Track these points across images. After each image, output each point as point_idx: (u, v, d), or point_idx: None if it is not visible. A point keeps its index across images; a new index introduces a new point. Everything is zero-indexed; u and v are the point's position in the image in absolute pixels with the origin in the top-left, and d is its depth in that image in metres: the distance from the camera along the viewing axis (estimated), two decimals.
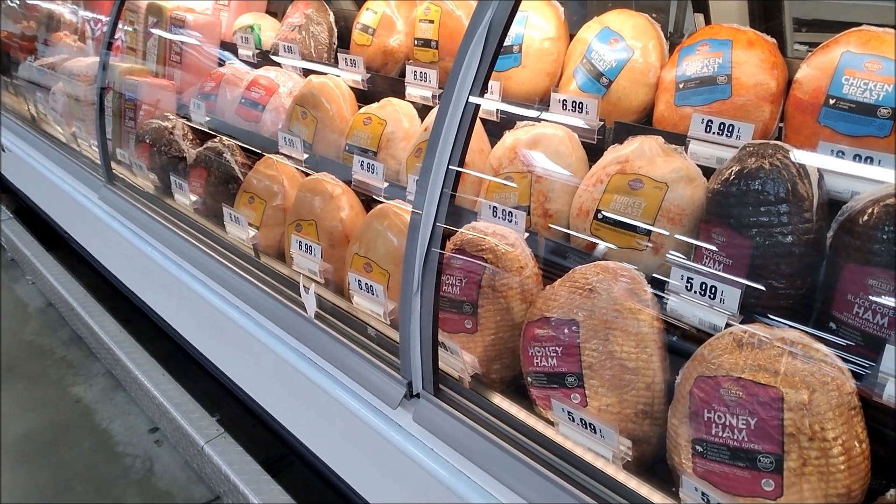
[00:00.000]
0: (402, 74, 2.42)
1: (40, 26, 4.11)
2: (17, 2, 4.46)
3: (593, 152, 1.75)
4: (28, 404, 3.18)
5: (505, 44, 1.56)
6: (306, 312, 1.86)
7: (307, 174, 2.33)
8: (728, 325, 1.26)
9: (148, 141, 2.80)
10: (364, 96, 2.40)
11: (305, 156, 2.29)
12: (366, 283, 1.80)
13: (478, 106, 1.41)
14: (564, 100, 1.74)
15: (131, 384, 2.97)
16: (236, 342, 2.15)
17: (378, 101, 2.27)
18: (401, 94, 2.24)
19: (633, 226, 1.52)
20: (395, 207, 1.88)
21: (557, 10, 1.98)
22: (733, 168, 1.35)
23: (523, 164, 1.74)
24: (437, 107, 2.07)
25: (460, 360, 1.56)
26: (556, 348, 1.40)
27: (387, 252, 1.84)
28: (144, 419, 3.01)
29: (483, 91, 1.41)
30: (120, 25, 3.32)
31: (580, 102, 1.71)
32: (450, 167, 1.43)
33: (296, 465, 2.64)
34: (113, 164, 3.05)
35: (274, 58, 2.71)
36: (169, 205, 2.64)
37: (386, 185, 2.03)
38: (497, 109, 1.90)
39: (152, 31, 3.23)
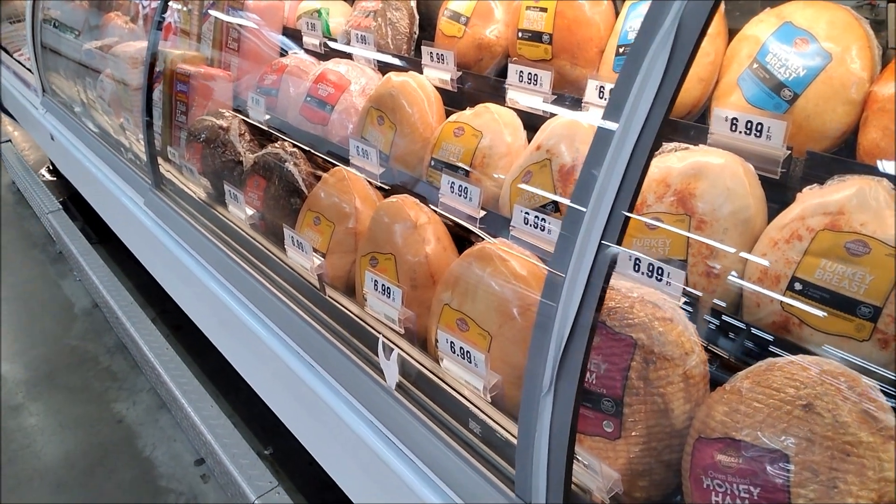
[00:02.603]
0: (499, 73, 2.02)
1: (91, 5, 3.81)
2: None
3: (773, 189, 1.32)
4: (68, 421, 2.92)
5: None
6: (385, 381, 1.49)
7: (383, 190, 1.95)
8: None
9: (199, 141, 2.46)
10: (452, 99, 1.99)
11: (381, 169, 1.91)
12: (460, 347, 1.42)
13: (661, 132, 0.99)
14: (734, 118, 1.31)
15: (177, 411, 2.68)
16: (296, 394, 1.80)
17: (471, 107, 1.87)
18: (499, 98, 1.83)
19: (851, 305, 1.09)
20: (500, 250, 1.48)
21: None
22: None
23: (679, 202, 1.32)
24: (551, 121, 1.66)
25: (596, 474, 1.16)
26: (751, 488, 0.98)
27: (489, 308, 1.45)
28: (189, 448, 2.72)
29: (669, 112, 0.98)
30: (173, 5, 2.99)
31: (758, 123, 1.28)
32: (613, 214, 1.01)
33: None
34: (161, 162, 2.73)
35: (344, 48, 2.33)
36: (222, 217, 2.30)
37: (482, 213, 1.64)
38: None
39: (210, 12, 2.88)
